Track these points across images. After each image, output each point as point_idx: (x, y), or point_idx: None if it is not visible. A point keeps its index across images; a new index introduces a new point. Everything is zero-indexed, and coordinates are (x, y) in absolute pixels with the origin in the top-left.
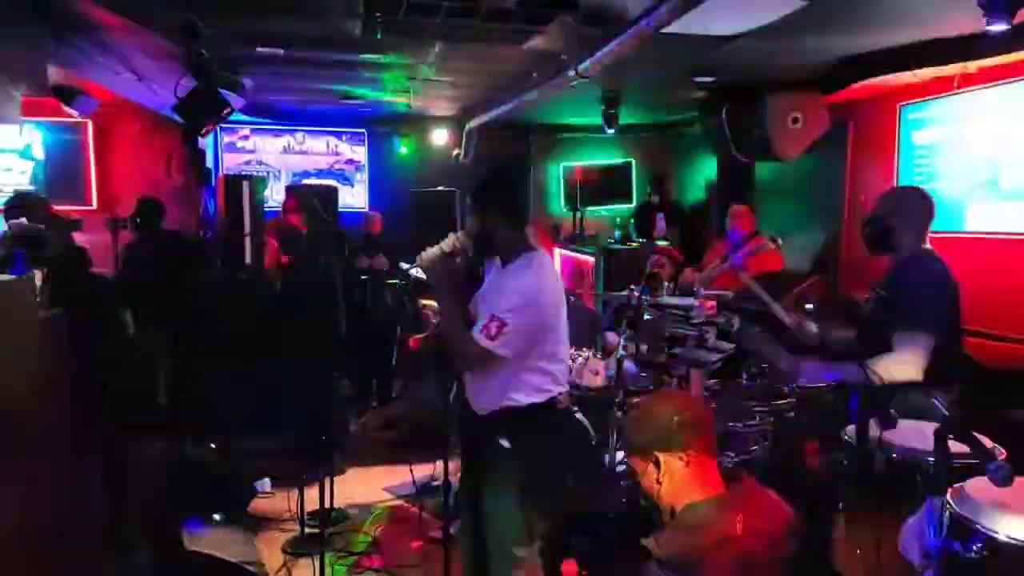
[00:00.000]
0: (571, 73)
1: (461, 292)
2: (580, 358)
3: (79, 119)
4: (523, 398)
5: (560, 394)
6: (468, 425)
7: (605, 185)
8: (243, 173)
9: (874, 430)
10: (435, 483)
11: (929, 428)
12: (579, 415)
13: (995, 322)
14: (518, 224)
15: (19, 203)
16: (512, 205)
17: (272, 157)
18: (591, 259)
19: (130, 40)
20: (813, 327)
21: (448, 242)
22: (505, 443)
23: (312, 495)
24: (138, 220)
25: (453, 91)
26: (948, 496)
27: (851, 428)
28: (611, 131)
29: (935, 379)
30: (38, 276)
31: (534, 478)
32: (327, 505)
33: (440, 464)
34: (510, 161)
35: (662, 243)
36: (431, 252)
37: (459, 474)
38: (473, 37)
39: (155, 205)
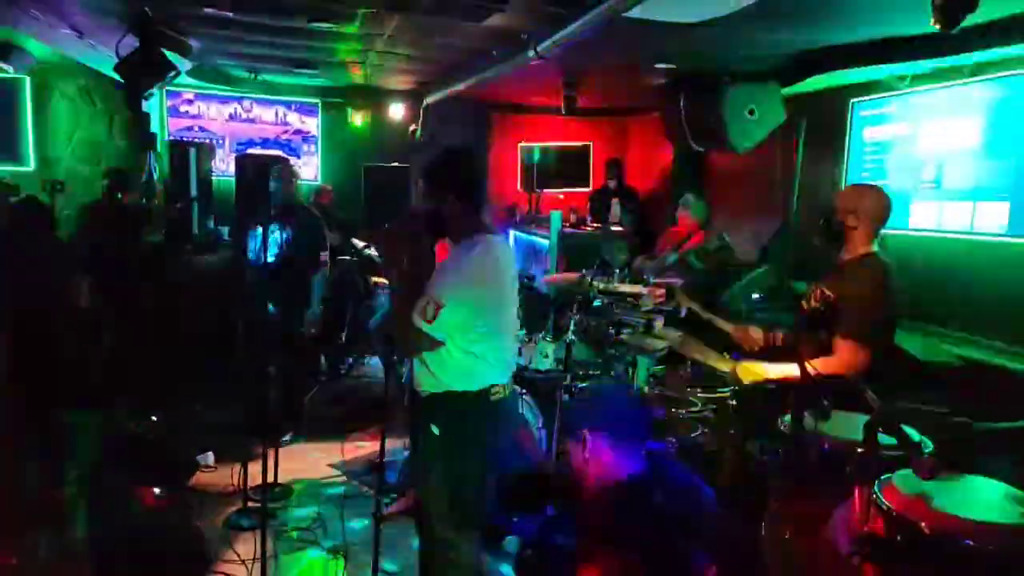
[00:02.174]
0: (531, 53)
1: (413, 274)
2: (530, 340)
3: (14, 75)
4: (454, 384)
5: (497, 384)
6: (413, 406)
7: (563, 167)
8: (187, 139)
9: (809, 420)
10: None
11: (861, 420)
12: (527, 407)
13: (933, 318)
14: (470, 205)
15: None
16: (465, 186)
17: (217, 124)
18: (545, 241)
19: None
20: (757, 333)
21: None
22: (435, 429)
23: (256, 470)
24: (109, 189)
25: (410, 65)
26: (875, 487)
27: (787, 418)
28: (569, 113)
29: (870, 377)
30: None
31: (460, 467)
32: (271, 480)
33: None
34: (467, 140)
35: (616, 228)
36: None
37: (406, 453)
38: (432, 10)
39: (125, 178)
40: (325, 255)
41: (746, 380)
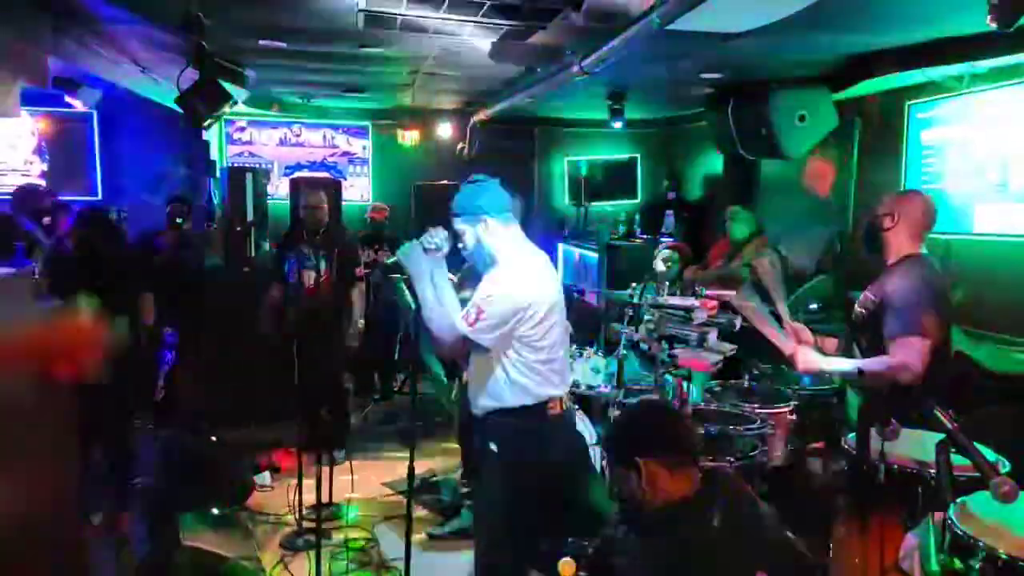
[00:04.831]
0: (575, 69)
1: (436, 279)
2: (581, 356)
3: (84, 110)
4: (510, 399)
5: (552, 398)
6: (469, 426)
7: (610, 180)
8: (244, 166)
9: (875, 439)
10: (434, 479)
11: (931, 439)
12: (582, 424)
13: (1002, 325)
14: (511, 222)
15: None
16: (510, 206)
17: (267, 149)
18: (595, 255)
19: (131, 31)
20: (807, 334)
21: (427, 237)
22: (493, 446)
23: (311, 489)
24: (171, 215)
25: (456, 85)
26: (950, 511)
27: (851, 437)
28: (617, 126)
29: (929, 385)
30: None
31: (518, 484)
32: (325, 500)
33: (440, 459)
34: (515, 155)
35: (669, 240)
36: (409, 245)
37: (459, 471)
38: (476, 33)
39: (186, 205)
40: (360, 270)
41: (801, 367)
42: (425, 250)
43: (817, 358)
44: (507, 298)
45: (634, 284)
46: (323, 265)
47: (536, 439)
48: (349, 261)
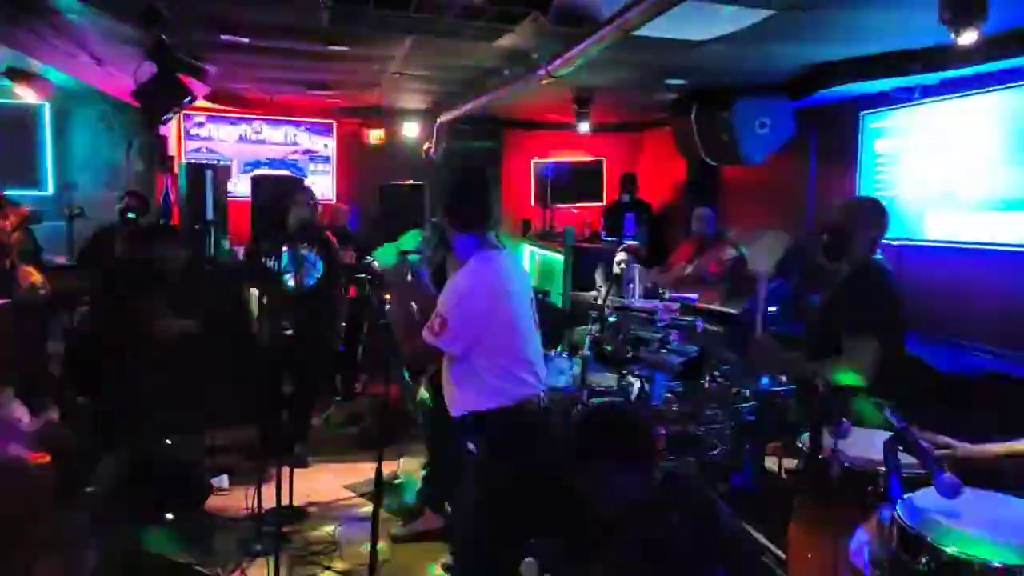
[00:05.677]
0: (542, 72)
1: (413, 287)
2: (545, 358)
3: (34, 102)
4: (487, 401)
5: (530, 398)
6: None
7: (576, 182)
8: (201, 162)
9: (828, 438)
10: (397, 480)
11: (881, 437)
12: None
13: (951, 329)
14: (470, 227)
15: None
16: (465, 210)
17: (226, 146)
18: (560, 257)
19: (88, 24)
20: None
21: (406, 240)
22: (471, 447)
23: (270, 492)
24: (124, 211)
25: (424, 85)
26: (897, 508)
27: (805, 436)
28: (582, 129)
29: (883, 385)
30: None
31: (497, 485)
32: (285, 502)
33: (402, 461)
34: (480, 157)
35: (631, 243)
36: (385, 248)
37: (422, 472)
38: (444, 33)
39: (142, 200)
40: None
41: (756, 354)
42: (402, 253)
43: (774, 349)
44: (468, 306)
45: (599, 286)
46: (319, 265)
47: (514, 439)
48: (337, 260)
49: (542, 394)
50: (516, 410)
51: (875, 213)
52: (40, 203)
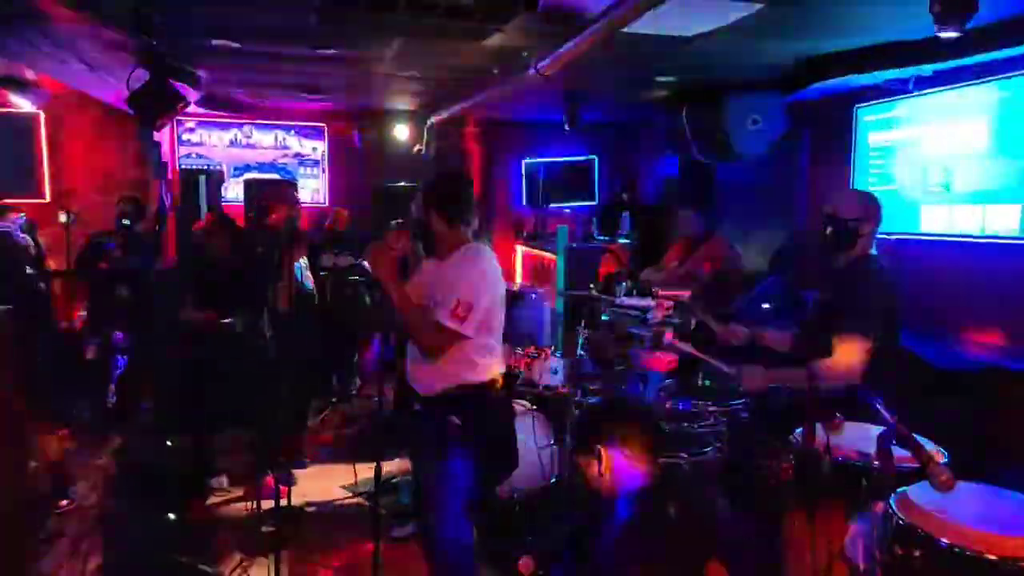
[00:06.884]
0: (531, 71)
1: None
2: (540, 357)
3: (31, 110)
4: (473, 377)
5: (498, 376)
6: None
7: (568, 182)
8: (194, 167)
9: (821, 434)
10: (394, 480)
11: (874, 432)
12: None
13: (945, 322)
14: (457, 223)
15: None
16: (452, 205)
17: (217, 150)
18: (552, 256)
19: (80, 31)
20: (742, 330)
21: (388, 235)
22: (455, 420)
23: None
24: (120, 217)
25: (414, 86)
26: (891, 501)
27: (799, 431)
28: (572, 128)
29: (874, 380)
30: None
31: (479, 454)
32: (284, 503)
33: (398, 461)
34: (470, 157)
35: (623, 241)
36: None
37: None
38: (433, 34)
39: (137, 206)
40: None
41: (745, 386)
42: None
43: (760, 374)
44: (491, 292)
45: (592, 286)
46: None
47: (489, 411)
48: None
49: (502, 373)
50: (491, 383)
51: (880, 206)
52: (38, 210)
